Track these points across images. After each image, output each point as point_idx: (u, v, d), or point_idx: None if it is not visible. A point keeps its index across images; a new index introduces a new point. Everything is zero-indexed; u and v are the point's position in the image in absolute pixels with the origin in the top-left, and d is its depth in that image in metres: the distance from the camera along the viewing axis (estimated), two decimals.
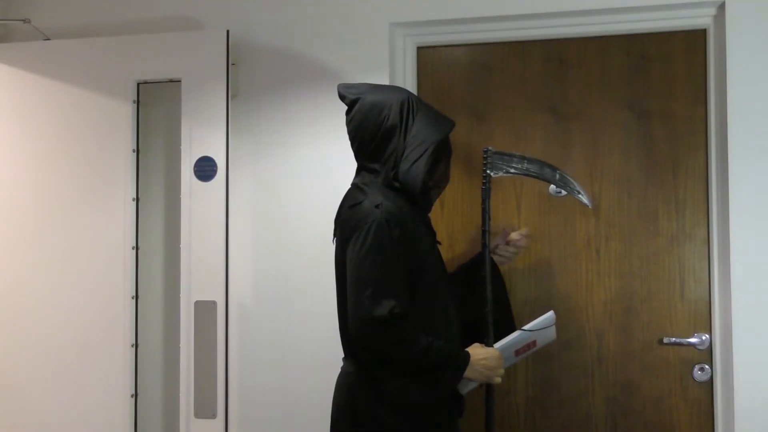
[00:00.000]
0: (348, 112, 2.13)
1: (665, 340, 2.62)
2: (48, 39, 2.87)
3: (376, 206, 1.98)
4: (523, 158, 2.22)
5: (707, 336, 2.60)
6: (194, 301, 2.64)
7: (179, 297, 2.67)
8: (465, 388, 2.08)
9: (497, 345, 2.13)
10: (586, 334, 2.70)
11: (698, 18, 2.60)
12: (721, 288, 2.54)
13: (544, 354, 2.68)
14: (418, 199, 2.08)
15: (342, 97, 2.14)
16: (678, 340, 2.62)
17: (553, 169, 2.23)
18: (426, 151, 2.03)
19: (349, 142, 2.15)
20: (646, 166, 2.67)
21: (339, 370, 2.14)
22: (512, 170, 2.20)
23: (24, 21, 2.86)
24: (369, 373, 1.99)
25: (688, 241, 2.64)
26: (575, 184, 2.24)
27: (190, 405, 2.63)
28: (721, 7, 2.53)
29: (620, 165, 2.69)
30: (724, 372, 2.53)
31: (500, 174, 2.19)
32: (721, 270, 2.55)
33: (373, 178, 2.08)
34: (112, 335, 2.73)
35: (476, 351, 2.06)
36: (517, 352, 2.16)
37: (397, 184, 2.06)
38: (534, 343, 2.18)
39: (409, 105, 2.08)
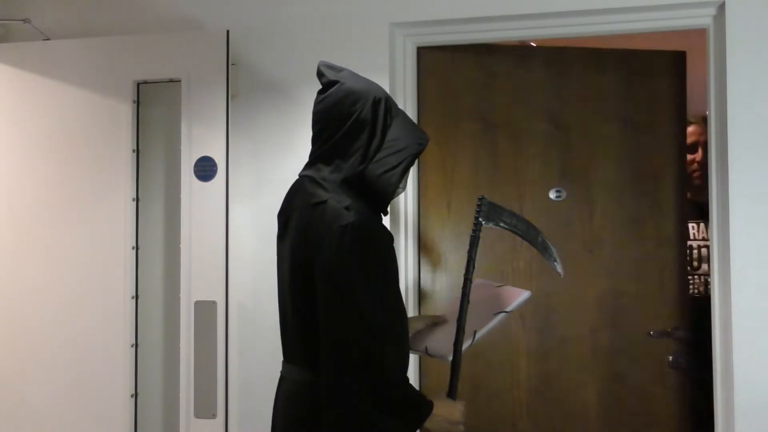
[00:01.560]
0: (321, 92, 1.97)
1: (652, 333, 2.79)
2: (48, 39, 2.87)
3: (346, 208, 1.83)
4: (512, 214, 2.20)
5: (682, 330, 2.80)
6: (194, 301, 2.64)
7: (179, 297, 2.66)
8: None
9: (481, 332, 2.09)
10: (581, 330, 2.79)
11: (698, 18, 2.60)
12: (721, 288, 2.54)
13: (543, 350, 2.80)
14: (384, 204, 1.97)
15: (320, 75, 1.99)
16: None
17: (537, 231, 2.23)
18: (405, 160, 1.92)
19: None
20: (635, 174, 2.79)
21: None
22: (501, 224, 2.17)
23: (24, 21, 2.86)
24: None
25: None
26: (553, 251, 2.24)
27: (190, 405, 2.63)
28: (721, 7, 2.53)
29: (614, 172, 2.82)
30: (724, 372, 2.53)
31: (490, 225, 2.16)
32: (720, 270, 2.54)
33: (329, 173, 1.92)
34: (112, 335, 2.73)
35: (440, 402, 1.93)
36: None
37: (358, 185, 1.92)
38: None
39: (386, 105, 1.95)
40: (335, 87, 1.94)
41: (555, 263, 2.24)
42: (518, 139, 2.84)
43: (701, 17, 2.60)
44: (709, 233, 2.62)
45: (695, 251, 3.14)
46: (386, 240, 1.92)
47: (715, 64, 2.58)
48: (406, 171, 1.95)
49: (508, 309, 2.13)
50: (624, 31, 2.68)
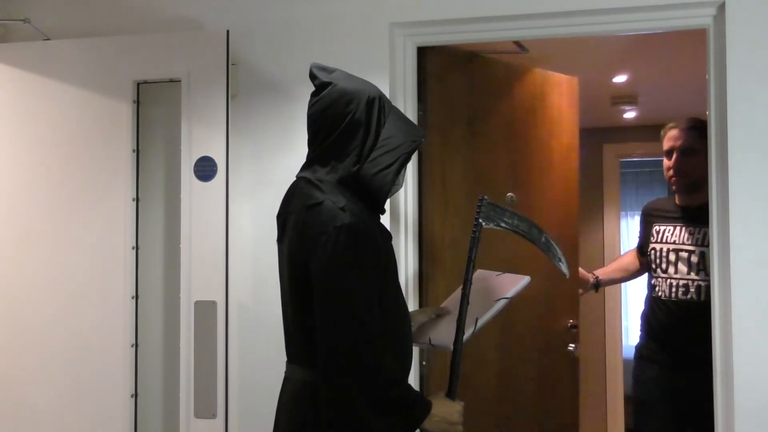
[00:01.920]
0: (315, 94, 1.98)
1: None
2: (48, 39, 2.87)
3: (341, 208, 1.83)
4: (514, 215, 2.21)
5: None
6: (194, 301, 2.64)
7: (179, 297, 2.67)
8: None
9: (483, 319, 2.10)
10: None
11: (698, 18, 2.60)
12: (721, 288, 2.54)
13: (503, 345, 3.05)
14: (380, 203, 1.97)
15: (313, 77, 1.99)
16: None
17: (540, 231, 2.24)
18: (399, 158, 1.93)
19: None
20: None
21: None
22: (502, 224, 2.17)
23: (24, 21, 2.86)
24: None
25: None
26: (558, 251, 2.24)
27: (190, 405, 2.63)
28: (721, 7, 2.53)
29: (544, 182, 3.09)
30: (724, 372, 2.52)
31: (491, 226, 2.15)
32: (721, 270, 2.54)
33: (326, 174, 1.93)
34: (112, 335, 2.73)
35: (438, 402, 1.94)
36: None
37: (354, 185, 1.93)
38: None
39: (380, 104, 1.95)
40: (328, 89, 1.95)
41: (560, 263, 2.24)
42: (492, 146, 3.05)
43: (701, 17, 2.60)
44: (709, 237, 2.61)
45: (664, 255, 3.11)
46: (383, 239, 1.93)
47: (715, 64, 2.58)
48: (401, 169, 1.95)
49: (509, 295, 2.14)
50: (624, 31, 2.68)
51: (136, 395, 2.75)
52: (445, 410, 1.93)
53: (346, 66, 2.69)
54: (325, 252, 1.80)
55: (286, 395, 2.00)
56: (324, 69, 2.00)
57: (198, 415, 2.62)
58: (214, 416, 2.60)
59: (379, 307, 1.84)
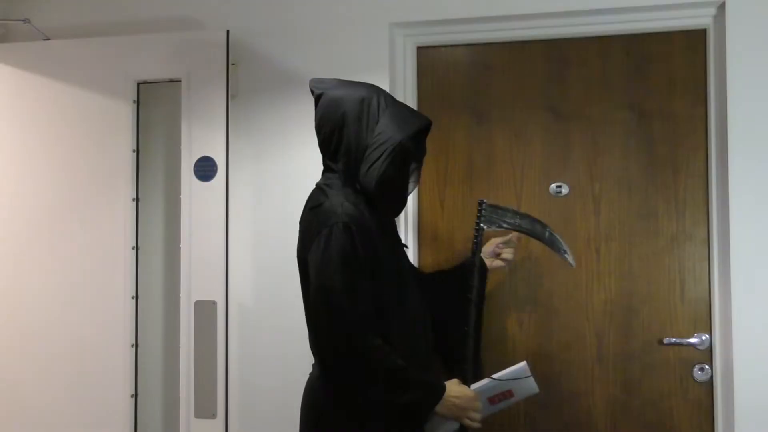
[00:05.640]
0: (315, 106, 2.10)
1: (665, 341, 2.60)
2: (48, 39, 2.87)
3: (338, 208, 1.94)
4: (516, 213, 2.21)
5: (707, 336, 2.59)
6: (194, 301, 2.64)
7: (179, 297, 2.67)
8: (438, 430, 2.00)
9: (472, 387, 2.08)
10: (586, 334, 2.69)
11: (698, 18, 2.60)
12: (721, 288, 2.54)
13: (544, 353, 2.70)
14: (377, 201, 2.01)
15: (311, 92, 2.11)
16: (678, 341, 2.60)
17: (543, 226, 2.24)
18: (385, 152, 1.95)
19: None
20: (646, 166, 2.67)
21: None
22: (504, 225, 2.18)
23: (24, 21, 2.86)
24: (330, 378, 1.97)
25: (688, 241, 2.63)
26: (562, 243, 2.24)
27: (190, 405, 2.63)
28: (721, 7, 2.53)
29: (620, 165, 2.68)
30: (724, 372, 2.53)
31: (493, 228, 2.17)
32: (721, 270, 2.55)
33: (334, 179, 2.03)
34: (112, 335, 2.73)
35: (451, 387, 2.01)
36: (491, 401, 2.07)
37: (357, 185, 2.01)
38: (510, 393, 2.08)
39: (377, 102, 2.01)
40: (321, 99, 2.06)
41: (566, 255, 2.23)
42: (515, 132, 2.74)
43: (701, 17, 2.60)
44: (708, 233, 2.61)
45: None
46: (380, 236, 2.00)
47: (715, 64, 2.58)
48: (387, 162, 1.96)
49: (494, 376, 2.09)
50: (624, 31, 2.67)
51: (136, 395, 2.75)
52: (458, 394, 2.01)
53: (346, 66, 2.71)
54: (318, 249, 1.91)
55: (303, 392, 2.11)
56: (321, 81, 2.11)
57: (198, 415, 2.62)
58: (214, 416, 2.60)
59: (366, 303, 1.91)
